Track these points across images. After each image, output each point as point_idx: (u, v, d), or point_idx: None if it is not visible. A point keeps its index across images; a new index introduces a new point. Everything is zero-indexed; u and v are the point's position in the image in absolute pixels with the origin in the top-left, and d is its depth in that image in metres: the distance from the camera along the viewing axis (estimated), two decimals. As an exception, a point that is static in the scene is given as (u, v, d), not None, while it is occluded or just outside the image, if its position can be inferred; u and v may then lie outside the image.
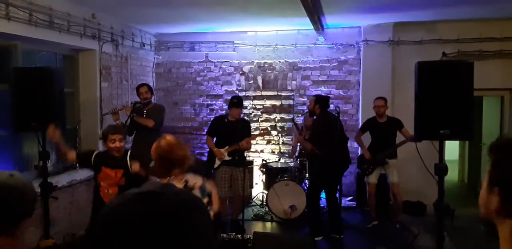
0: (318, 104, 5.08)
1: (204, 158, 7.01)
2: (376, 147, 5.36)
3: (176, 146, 2.54)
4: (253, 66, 6.96)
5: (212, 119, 5.60)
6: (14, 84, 3.78)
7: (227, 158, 5.09)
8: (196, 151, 7.15)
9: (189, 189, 2.50)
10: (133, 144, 5.32)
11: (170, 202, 0.70)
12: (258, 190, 6.42)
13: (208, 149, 5.56)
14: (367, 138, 5.54)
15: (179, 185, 2.49)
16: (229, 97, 5.47)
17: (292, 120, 5.97)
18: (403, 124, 5.24)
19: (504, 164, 0.83)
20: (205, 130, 6.69)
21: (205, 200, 2.59)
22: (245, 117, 6.47)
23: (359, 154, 5.88)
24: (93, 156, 3.60)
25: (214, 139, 5.30)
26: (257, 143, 6.88)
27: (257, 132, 6.71)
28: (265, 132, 6.84)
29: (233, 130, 5.01)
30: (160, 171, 2.50)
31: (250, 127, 5.46)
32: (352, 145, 6.01)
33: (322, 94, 6.28)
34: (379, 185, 5.44)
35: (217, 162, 5.13)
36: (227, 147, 5.09)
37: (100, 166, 3.53)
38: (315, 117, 5.18)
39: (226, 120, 5.19)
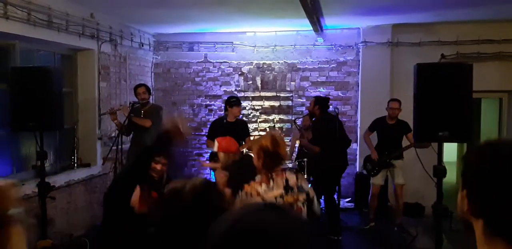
0: (318, 105, 5.07)
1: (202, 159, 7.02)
2: (382, 148, 5.33)
3: (283, 142, 2.63)
4: (252, 66, 6.96)
5: (211, 121, 5.60)
6: (12, 83, 3.77)
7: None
8: (195, 152, 7.14)
9: (290, 188, 2.52)
10: (131, 145, 5.31)
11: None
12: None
13: (209, 152, 5.53)
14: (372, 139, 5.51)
15: (281, 183, 2.51)
16: (227, 98, 5.47)
17: (294, 122, 5.96)
18: (411, 129, 5.18)
19: (472, 168, 0.89)
20: (204, 131, 6.69)
21: (302, 197, 2.55)
22: (244, 118, 6.47)
23: (362, 153, 5.85)
24: None
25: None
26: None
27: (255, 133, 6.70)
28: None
29: (233, 131, 5.00)
30: (269, 165, 2.52)
31: (248, 127, 5.47)
32: (351, 146, 6.00)
33: (322, 95, 6.28)
34: (381, 187, 5.42)
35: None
36: None
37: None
38: (314, 119, 5.18)
39: (224, 121, 5.19)
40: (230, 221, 0.72)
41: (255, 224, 0.70)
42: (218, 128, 5.20)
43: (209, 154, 5.51)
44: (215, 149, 3.34)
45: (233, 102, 5.14)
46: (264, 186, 2.50)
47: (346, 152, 5.34)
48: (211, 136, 5.29)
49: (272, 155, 2.50)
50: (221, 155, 3.28)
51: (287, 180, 2.54)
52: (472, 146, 0.96)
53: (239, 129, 5.03)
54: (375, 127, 5.44)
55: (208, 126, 5.82)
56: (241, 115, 5.56)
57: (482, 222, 0.86)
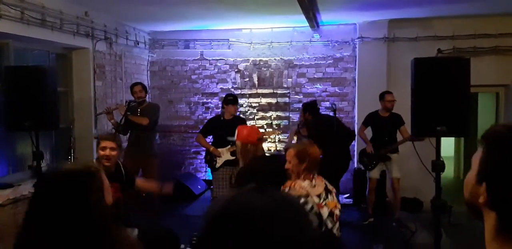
0: (307, 112, 5.10)
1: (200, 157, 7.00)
2: (377, 141, 5.34)
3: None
4: (248, 63, 6.93)
5: (207, 118, 5.59)
6: (6, 83, 3.73)
7: (229, 157, 4.97)
8: (192, 150, 7.13)
9: (329, 191, 2.72)
10: (128, 144, 5.29)
11: None
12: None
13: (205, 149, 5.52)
14: (367, 133, 5.52)
15: (321, 183, 2.71)
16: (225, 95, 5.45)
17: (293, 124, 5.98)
18: (404, 121, 5.21)
19: (495, 157, 0.79)
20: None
21: (339, 205, 2.81)
22: (241, 115, 6.45)
23: (359, 149, 5.86)
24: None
25: (211, 139, 5.26)
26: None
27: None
28: (277, 131, 6.65)
29: (230, 129, 4.97)
30: (311, 168, 2.74)
31: (246, 124, 5.43)
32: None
33: (314, 95, 6.34)
34: (378, 181, 5.43)
35: (219, 162, 5.02)
36: (229, 146, 4.97)
37: None
38: (307, 122, 5.20)
39: (222, 118, 5.17)
40: (223, 202, 0.78)
41: (243, 205, 0.75)
42: (214, 125, 5.17)
43: (205, 151, 5.47)
44: (234, 137, 3.33)
45: (229, 100, 5.12)
46: (307, 182, 2.63)
47: (348, 149, 5.34)
48: (205, 132, 5.28)
49: (313, 161, 2.72)
50: (239, 144, 3.23)
51: (326, 183, 2.72)
52: (494, 128, 0.83)
53: (235, 127, 5.00)
54: (369, 121, 5.45)
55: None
56: (238, 113, 5.53)
57: (495, 215, 0.79)
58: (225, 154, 5.01)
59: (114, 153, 3.18)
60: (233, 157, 4.93)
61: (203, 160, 5.46)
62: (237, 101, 5.26)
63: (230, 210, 0.75)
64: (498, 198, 0.78)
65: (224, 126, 5.01)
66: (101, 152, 3.18)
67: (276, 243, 0.71)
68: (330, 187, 2.74)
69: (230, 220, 0.74)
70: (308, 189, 2.56)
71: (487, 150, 0.81)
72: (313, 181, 2.66)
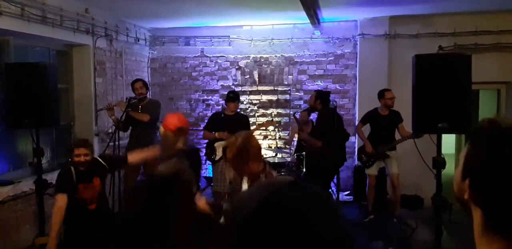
0: (319, 100, 5.06)
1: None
2: (376, 139, 5.33)
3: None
4: (249, 60, 6.91)
5: (209, 115, 5.62)
6: (6, 80, 3.72)
7: None
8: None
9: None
10: (129, 140, 5.29)
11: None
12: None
13: (205, 145, 5.53)
14: (365, 130, 5.52)
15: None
16: (225, 92, 5.50)
17: (294, 116, 5.95)
18: (402, 119, 5.21)
19: (478, 154, 0.78)
20: (202, 126, 6.65)
21: None
22: (242, 112, 6.44)
23: (358, 146, 5.87)
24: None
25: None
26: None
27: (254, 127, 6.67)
28: (267, 123, 6.63)
29: (231, 124, 5.01)
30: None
31: (249, 121, 5.47)
32: (350, 139, 5.99)
33: (321, 89, 6.26)
34: (378, 178, 5.44)
35: (218, 155, 5.05)
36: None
37: (75, 185, 3.45)
38: (317, 113, 5.17)
39: (223, 115, 5.20)
40: (259, 198, 0.72)
41: (283, 202, 0.70)
42: (217, 121, 5.22)
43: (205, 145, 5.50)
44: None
45: (230, 97, 5.19)
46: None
47: (344, 147, 5.34)
48: (209, 128, 5.30)
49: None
50: (161, 130, 3.29)
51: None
52: (480, 124, 0.80)
53: (237, 123, 5.06)
54: (368, 119, 5.44)
55: (206, 120, 5.81)
56: (238, 110, 5.54)
57: (481, 212, 0.78)
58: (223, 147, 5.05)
59: (88, 158, 3.47)
60: None
61: (205, 157, 5.47)
62: (238, 98, 5.28)
63: (272, 207, 0.69)
64: (481, 195, 0.76)
65: (224, 121, 5.08)
66: (76, 159, 3.43)
67: (326, 239, 0.68)
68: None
69: (273, 218, 0.68)
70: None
71: (471, 146, 0.80)
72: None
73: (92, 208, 3.50)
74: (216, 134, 5.09)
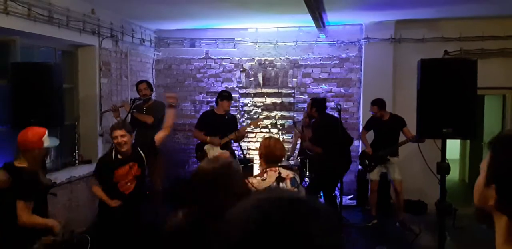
0: (315, 108, 5.07)
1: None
2: (378, 144, 5.35)
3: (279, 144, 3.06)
4: (253, 63, 6.92)
5: (200, 115, 5.68)
6: (13, 80, 3.74)
7: (220, 151, 5.03)
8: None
9: (282, 179, 2.87)
10: (134, 142, 5.30)
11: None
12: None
13: (195, 144, 5.56)
14: (369, 136, 5.53)
15: (275, 174, 2.88)
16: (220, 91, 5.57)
17: (295, 125, 5.98)
18: (405, 123, 5.21)
19: (502, 159, 0.80)
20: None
21: (295, 189, 2.90)
22: (245, 115, 6.46)
23: (360, 151, 5.86)
24: (98, 165, 3.75)
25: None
26: (257, 141, 6.85)
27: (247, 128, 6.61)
28: (261, 119, 6.62)
29: (223, 123, 5.15)
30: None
31: (237, 120, 5.59)
32: (353, 143, 5.98)
33: (320, 95, 6.30)
34: (380, 183, 5.42)
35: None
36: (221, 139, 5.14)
37: (110, 171, 3.59)
38: (313, 120, 5.18)
39: (214, 115, 5.25)
40: (258, 215, 0.69)
41: (282, 223, 0.68)
42: (208, 120, 5.27)
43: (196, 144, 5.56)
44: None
45: (224, 96, 5.23)
46: (258, 178, 2.86)
47: (349, 150, 5.34)
48: (200, 127, 5.31)
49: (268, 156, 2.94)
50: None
51: (280, 172, 2.88)
52: (503, 133, 0.85)
53: (228, 122, 5.20)
54: (371, 125, 5.47)
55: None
56: (242, 112, 5.58)
57: (507, 219, 0.78)
58: (215, 148, 5.08)
59: (125, 138, 3.55)
60: (224, 151, 5.02)
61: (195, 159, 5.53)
62: (231, 97, 5.35)
63: (272, 218, 0.68)
64: (508, 200, 0.77)
65: (216, 120, 5.17)
66: (114, 141, 3.56)
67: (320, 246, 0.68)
68: (284, 174, 2.89)
69: (276, 229, 0.67)
70: (257, 184, 2.78)
71: (495, 153, 0.82)
72: (265, 175, 2.87)
73: (129, 191, 3.59)
74: (208, 138, 5.13)
